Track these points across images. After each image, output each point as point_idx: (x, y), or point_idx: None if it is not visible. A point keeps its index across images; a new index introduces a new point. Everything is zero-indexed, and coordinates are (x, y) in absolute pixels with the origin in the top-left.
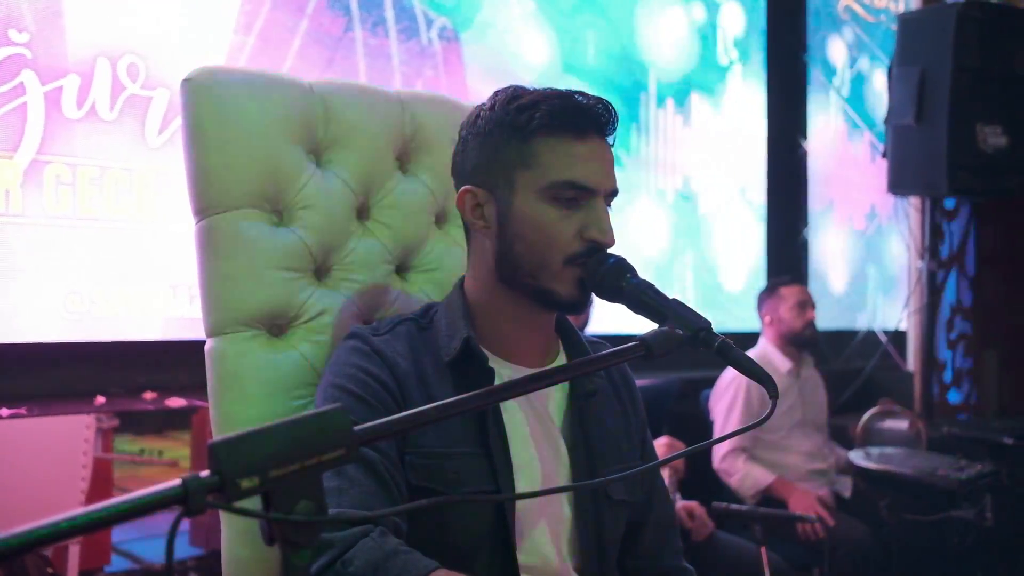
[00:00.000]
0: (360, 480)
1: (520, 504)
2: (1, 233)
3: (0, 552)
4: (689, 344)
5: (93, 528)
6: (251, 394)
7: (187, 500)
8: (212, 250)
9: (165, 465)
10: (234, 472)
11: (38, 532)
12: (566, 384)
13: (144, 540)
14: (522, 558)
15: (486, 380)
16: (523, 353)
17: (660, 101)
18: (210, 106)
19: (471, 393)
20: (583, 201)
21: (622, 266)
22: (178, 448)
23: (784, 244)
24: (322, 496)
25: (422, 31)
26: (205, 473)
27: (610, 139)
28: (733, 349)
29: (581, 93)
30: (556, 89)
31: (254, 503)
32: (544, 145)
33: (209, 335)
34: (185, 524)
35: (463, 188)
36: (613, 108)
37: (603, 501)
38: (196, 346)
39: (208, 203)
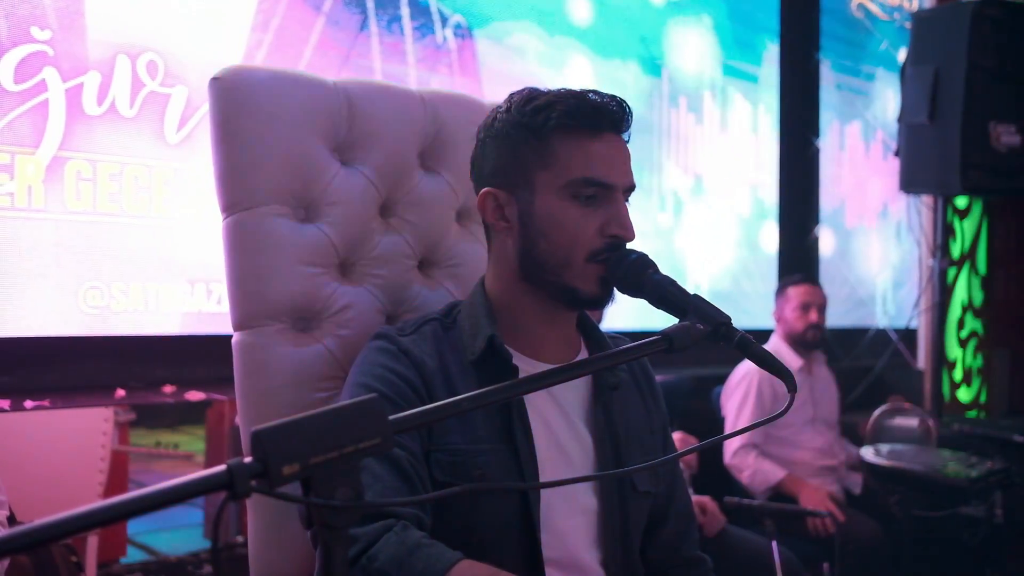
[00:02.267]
0: (384, 476)
1: (546, 497)
2: (23, 228)
3: (62, 533)
4: (710, 338)
5: (145, 511)
6: (277, 386)
7: (233, 485)
8: (240, 246)
9: (180, 458)
10: (277, 459)
11: (93, 514)
12: (589, 378)
13: (159, 532)
14: (547, 551)
15: (510, 377)
16: (546, 350)
17: (673, 100)
18: (238, 105)
19: (500, 384)
20: (602, 198)
21: (644, 261)
22: (191, 443)
23: (796, 242)
24: (359, 482)
25: (437, 28)
26: (248, 460)
27: (626, 136)
28: (752, 343)
29: (595, 92)
30: (571, 89)
31: (294, 489)
32: (561, 144)
33: (236, 328)
34: (200, 516)
35: (483, 190)
36: (627, 105)
37: (628, 492)
38: (214, 341)
39: (236, 199)
